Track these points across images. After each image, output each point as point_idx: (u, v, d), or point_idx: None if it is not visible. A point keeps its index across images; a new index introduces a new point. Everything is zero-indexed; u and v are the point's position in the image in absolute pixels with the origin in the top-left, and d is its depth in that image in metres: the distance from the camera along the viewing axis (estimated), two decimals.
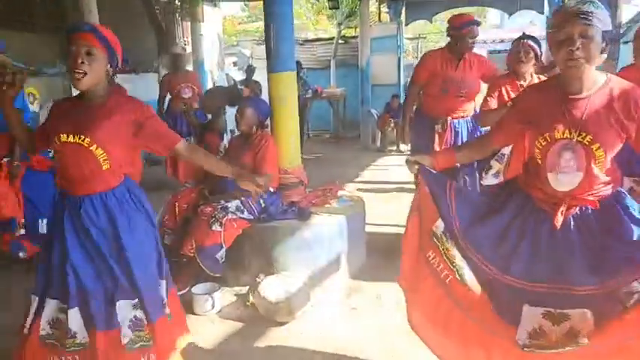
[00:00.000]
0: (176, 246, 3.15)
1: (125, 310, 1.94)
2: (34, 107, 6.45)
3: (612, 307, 1.64)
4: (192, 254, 3.05)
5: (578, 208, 1.74)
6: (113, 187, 1.95)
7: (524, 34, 3.30)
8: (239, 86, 3.72)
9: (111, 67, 1.89)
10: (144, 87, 7.97)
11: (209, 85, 10.34)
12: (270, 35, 3.30)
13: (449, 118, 3.55)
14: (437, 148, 3.45)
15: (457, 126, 3.57)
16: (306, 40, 11.99)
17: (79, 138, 1.86)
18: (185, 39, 10.22)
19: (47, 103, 6.55)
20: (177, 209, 3.28)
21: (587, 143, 1.65)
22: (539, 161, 1.75)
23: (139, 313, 1.95)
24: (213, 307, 2.91)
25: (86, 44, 1.81)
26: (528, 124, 1.79)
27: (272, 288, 2.81)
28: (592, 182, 1.70)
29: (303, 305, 2.80)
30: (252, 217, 3.18)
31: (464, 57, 3.53)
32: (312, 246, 3.16)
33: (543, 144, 1.71)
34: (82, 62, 1.80)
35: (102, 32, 1.85)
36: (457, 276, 1.87)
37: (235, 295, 3.15)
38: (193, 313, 2.91)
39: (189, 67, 8.40)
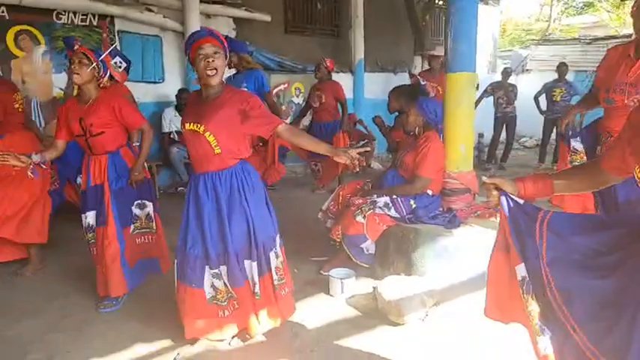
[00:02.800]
0: None
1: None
2: (298, 99, 7.66)
3: None
4: (338, 240, 3.28)
5: None
6: (226, 167, 2.32)
7: None
8: (422, 83, 3.69)
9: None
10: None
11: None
12: (449, 33, 3.20)
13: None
14: None
15: None
16: (595, 39, 10.44)
17: (197, 126, 2.27)
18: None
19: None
20: (340, 197, 3.54)
21: None
22: None
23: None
24: (342, 291, 3.08)
25: (212, 47, 2.18)
26: None
27: (391, 286, 2.80)
28: None
29: (415, 311, 2.69)
30: (398, 216, 3.19)
31: None
32: (452, 255, 2.98)
33: None
34: (214, 61, 2.18)
35: (217, 33, 2.23)
36: (535, 340, 1.51)
37: (374, 287, 3.23)
38: (327, 294, 3.15)
39: None
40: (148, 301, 3.06)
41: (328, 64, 5.76)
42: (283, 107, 7.68)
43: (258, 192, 2.41)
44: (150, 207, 3.04)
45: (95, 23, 5.82)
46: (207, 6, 6.53)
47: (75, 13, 5.64)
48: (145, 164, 3.08)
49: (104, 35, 5.89)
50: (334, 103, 5.64)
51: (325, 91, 5.58)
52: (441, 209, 3.29)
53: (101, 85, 2.89)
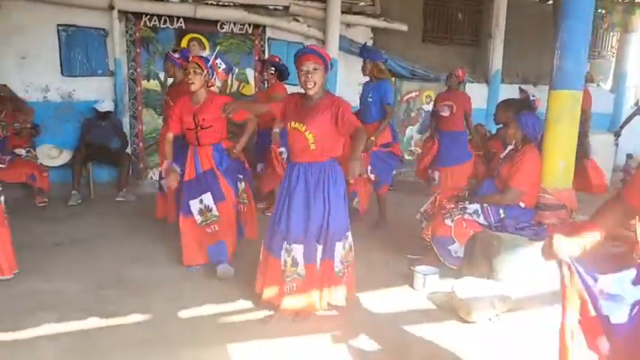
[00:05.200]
0: None
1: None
2: (428, 107, 7.86)
3: None
4: (428, 239, 3.54)
5: None
6: (316, 161, 2.75)
7: None
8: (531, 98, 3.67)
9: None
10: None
11: (629, 104, 9.39)
12: (556, 49, 3.26)
13: None
14: None
15: None
16: None
17: (300, 125, 2.72)
18: (611, 50, 9.53)
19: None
20: (437, 201, 3.78)
21: None
22: None
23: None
24: (424, 286, 3.34)
25: (312, 64, 2.63)
26: None
27: (466, 286, 3.01)
28: None
29: (483, 312, 2.87)
30: (486, 224, 3.35)
31: None
32: (532, 267, 3.07)
33: None
34: (312, 76, 2.63)
35: (321, 52, 2.66)
36: None
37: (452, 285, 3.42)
38: (412, 287, 3.44)
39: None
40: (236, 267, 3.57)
41: (460, 73, 5.82)
42: (413, 114, 7.95)
43: (338, 189, 2.80)
44: (244, 183, 3.63)
45: (250, 32, 6.74)
46: (348, 16, 7.08)
47: (234, 24, 6.60)
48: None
49: (256, 42, 6.79)
50: (462, 113, 5.71)
51: (456, 102, 5.67)
52: (533, 222, 3.36)
53: (209, 86, 3.44)
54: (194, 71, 3.31)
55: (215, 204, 3.47)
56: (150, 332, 2.75)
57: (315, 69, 2.63)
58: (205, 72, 3.35)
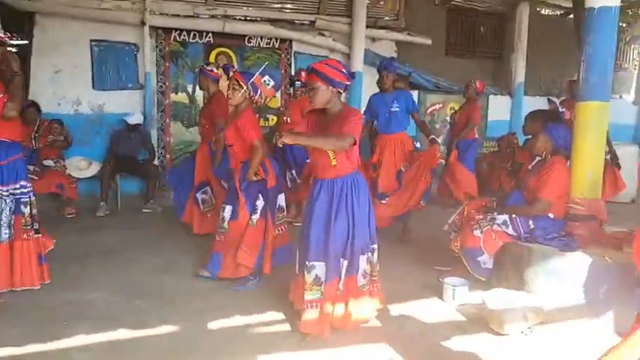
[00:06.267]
0: None
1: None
2: (449, 120, 7.86)
3: None
4: (457, 251, 3.53)
5: None
6: (340, 176, 2.72)
7: None
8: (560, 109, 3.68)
9: (335, 89, 2.64)
10: None
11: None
12: (581, 62, 3.27)
13: None
14: None
15: None
16: None
17: None
18: (633, 63, 9.45)
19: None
20: (465, 212, 3.77)
21: None
22: None
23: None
24: (454, 298, 3.32)
25: (311, 82, 2.63)
26: None
27: (496, 297, 2.99)
28: None
29: (515, 323, 2.84)
30: (515, 234, 3.34)
31: None
32: (564, 278, 3.04)
33: None
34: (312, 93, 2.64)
35: (319, 70, 2.61)
36: None
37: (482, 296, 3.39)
38: (441, 299, 3.42)
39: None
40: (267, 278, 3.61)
41: (477, 85, 5.85)
42: (437, 126, 7.96)
43: (362, 202, 2.76)
44: (263, 202, 3.44)
45: (277, 46, 6.86)
46: (373, 30, 7.17)
47: (261, 38, 6.74)
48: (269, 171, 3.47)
49: (282, 56, 6.90)
50: (465, 122, 5.74)
51: (463, 111, 5.76)
52: (563, 233, 3.33)
53: (254, 102, 3.40)
54: (233, 87, 3.33)
55: (229, 220, 3.48)
56: (180, 343, 2.78)
57: (313, 88, 2.63)
58: (245, 88, 3.33)
